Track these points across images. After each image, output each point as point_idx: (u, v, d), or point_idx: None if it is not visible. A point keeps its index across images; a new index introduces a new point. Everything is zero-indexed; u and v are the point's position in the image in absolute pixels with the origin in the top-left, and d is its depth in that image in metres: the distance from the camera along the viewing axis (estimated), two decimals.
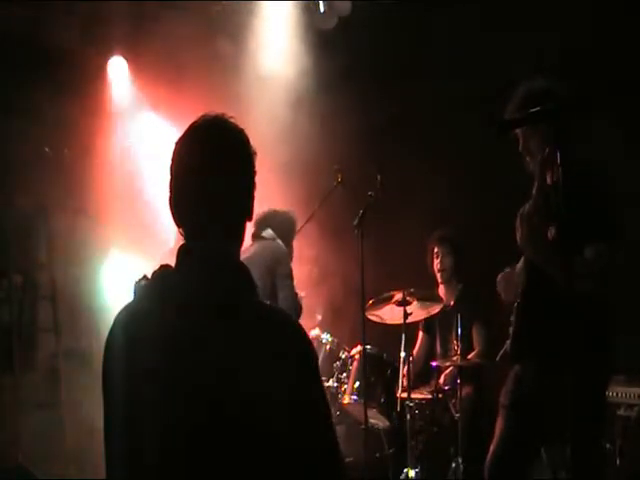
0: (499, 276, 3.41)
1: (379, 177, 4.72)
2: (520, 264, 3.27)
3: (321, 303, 5.84)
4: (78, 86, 5.62)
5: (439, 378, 4.99)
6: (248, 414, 1.58)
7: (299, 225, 5.15)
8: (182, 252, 1.73)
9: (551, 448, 3.80)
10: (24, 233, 5.93)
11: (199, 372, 1.61)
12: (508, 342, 3.27)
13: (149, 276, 1.72)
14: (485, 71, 5.21)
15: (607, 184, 3.13)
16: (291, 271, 4.69)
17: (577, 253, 2.88)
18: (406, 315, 4.85)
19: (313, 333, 5.42)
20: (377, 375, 4.98)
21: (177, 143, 1.78)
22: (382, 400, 4.92)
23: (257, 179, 1.80)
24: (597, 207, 2.96)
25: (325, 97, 5.79)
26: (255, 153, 1.80)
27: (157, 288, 1.71)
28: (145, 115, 6.41)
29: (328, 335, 5.47)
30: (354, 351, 5.14)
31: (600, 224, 2.96)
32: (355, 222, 4.66)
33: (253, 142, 1.80)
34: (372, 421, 4.88)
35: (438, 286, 5.38)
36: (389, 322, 5.07)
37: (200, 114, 1.80)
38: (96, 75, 6.07)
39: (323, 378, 4.64)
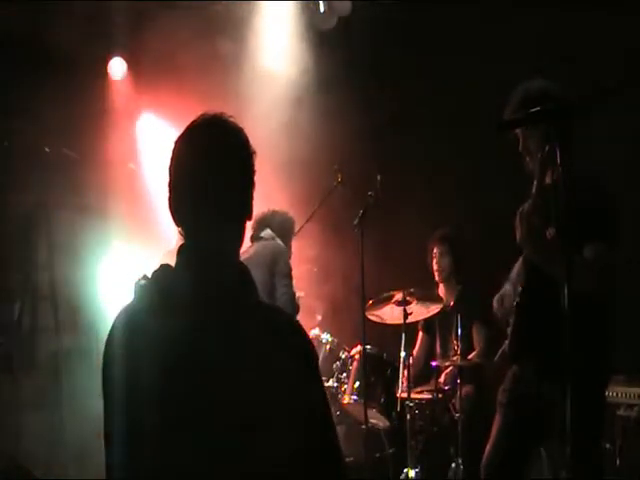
0: (496, 296, 3.42)
1: (379, 177, 4.72)
2: (515, 271, 3.27)
3: (321, 303, 5.85)
4: (78, 86, 5.62)
5: (439, 378, 4.99)
6: (248, 414, 1.58)
7: (299, 225, 5.15)
8: (182, 251, 1.73)
9: (551, 448, 3.80)
10: (24, 233, 5.92)
11: (199, 372, 1.61)
12: (507, 342, 3.28)
13: (149, 276, 1.72)
14: (485, 71, 5.21)
15: (607, 184, 3.13)
16: (290, 270, 4.70)
17: (577, 253, 2.88)
18: (406, 315, 4.86)
19: (313, 333, 5.43)
20: (377, 375, 4.98)
21: (176, 142, 1.78)
22: (382, 400, 4.92)
23: (257, 178, 1.80)
24: (597, 207, 2.96)
25: (325, 97, 5.80)
26: (254, 152, 1.80)
27: (157, 288, 1.70)
28: (145, 115, 6.41)
29: (328, 335, 5.48)
30: (354, 351, 5.14)
31: (600, 224, 2.96)
32: (355, 222, 4.67)
33: (253, 141, 1.80)
34: (372, 421, 4.88)
35: (438, 286, 5.38)
36: (389, 322, 5.07)
37: (199, 113, 1.80)
38: (96, 75, 6.07)
39: (323, 378, 4.64)
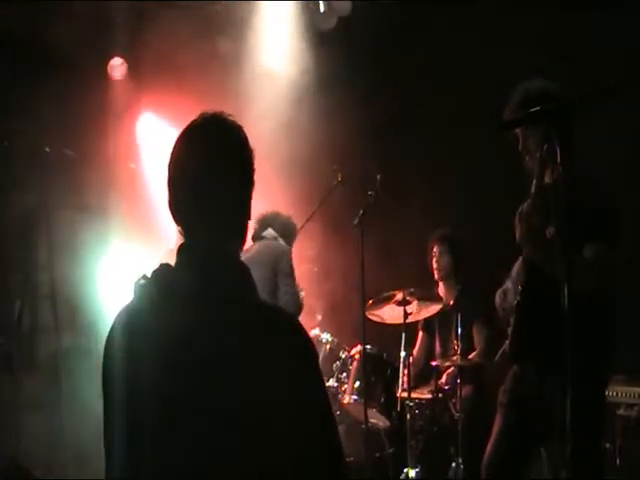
0: (499, 291, 3.42)
1: (379, 176, 4.73)
2: (515, 270, 3.27)
3: (321, 303, 5.85)
4: (78, 86, 5.62)
5: (439, 378, 4.99)
6: (249, 413, 1.58)
7: (299, 225, 5.15)
8: (181, 251, 1.73)
9: (551, 448, 3.80)
10: (24, 233, 5.92)
11: (199, 371, 1.61)
12: (507, 341, 3.28)
13: (149, 275, 1.72)
14: (485, 71, 5.21)
15: (607, 184, 3.13)
16: (292, 269, 4.70)
17: (576, 252, 2.88)
18: (406, 315, 4.86)
19: (313, 333, 5.43)
20: (377, 375, 4.98)
21: (176, 142, 1.78)
22: (382, 400, 4.92)
23: (257, 177, 1.80)
24: (597, 207, 2.95)
25: (325, 96, 5.80)
26: (254, 151, 1.80)
27: (156, 287, 1.70)
28: (145, 114, 6.41)
29: (328, 335, 5.48)
30: (354, 351, 5.14)
31: (600, 224, 2.96)
32: (355, 221, 4.67)
33: (252, 141, 1.79)
34: (372, 421, 4.88)
35: (438, 285, 5.38)
36: (389, 322, 5.07)
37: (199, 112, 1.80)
38: (96, 75, 6.06)
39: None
